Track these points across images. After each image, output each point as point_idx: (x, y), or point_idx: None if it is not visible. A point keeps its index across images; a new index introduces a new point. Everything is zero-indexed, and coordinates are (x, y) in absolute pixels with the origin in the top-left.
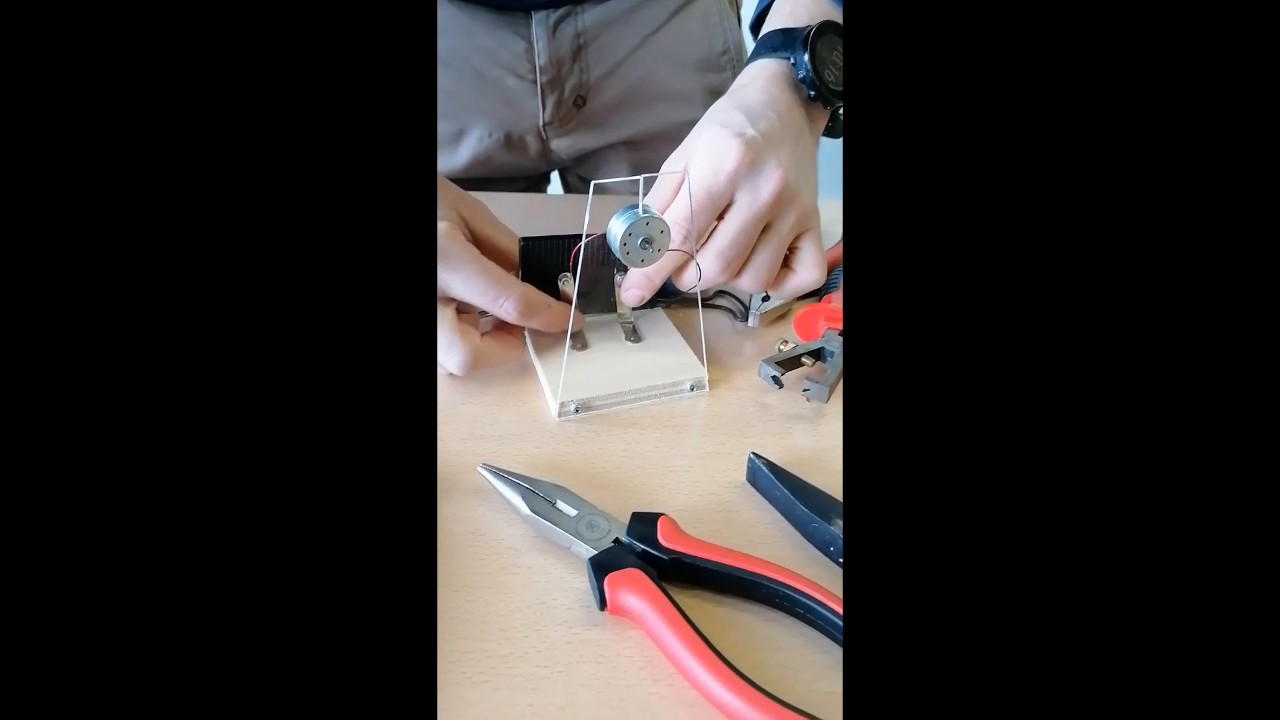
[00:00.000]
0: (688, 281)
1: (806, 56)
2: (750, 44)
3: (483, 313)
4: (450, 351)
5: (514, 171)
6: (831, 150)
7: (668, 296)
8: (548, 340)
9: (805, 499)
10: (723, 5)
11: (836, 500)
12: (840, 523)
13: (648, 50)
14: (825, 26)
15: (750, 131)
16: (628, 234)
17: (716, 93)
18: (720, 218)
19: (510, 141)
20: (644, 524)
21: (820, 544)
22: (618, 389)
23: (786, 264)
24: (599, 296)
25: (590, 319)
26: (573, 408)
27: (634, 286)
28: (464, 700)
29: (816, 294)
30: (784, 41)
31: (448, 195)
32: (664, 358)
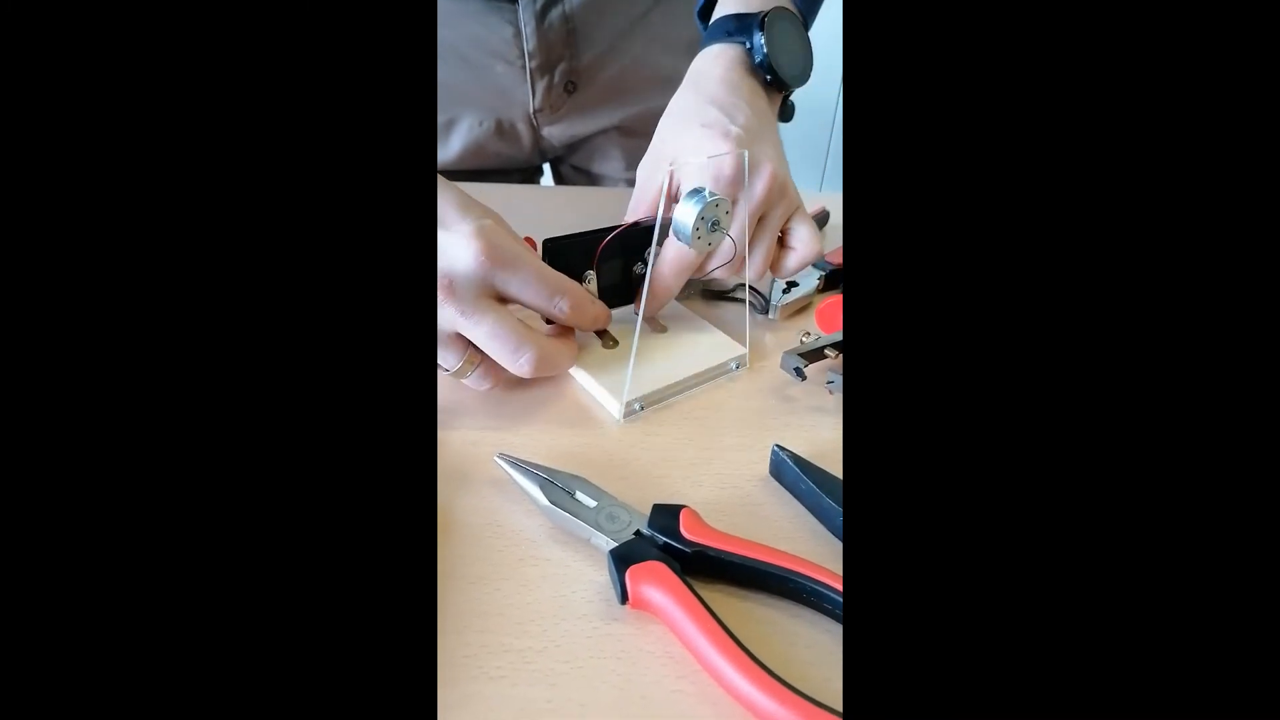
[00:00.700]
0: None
1: (762, 41)
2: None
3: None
4: (520, 352)
5: (507, 162)
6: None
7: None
8: None
9: (830, 492)
10: None
11: None
12: None
13: (637, 34)
14: (778, 12)
15: (735, 129)
16: (700, 218)
17: None
18: None
19: (501, 130)
20: (666, 516)
21: None
22: (672, 379)
23: (783, 244)
24: (621, 291)
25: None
26: (638, 405)
27: (678, 266)
28: (481, 695)
29: (839, 286)
30: (739, 27)
31: (476, 204)
32: (700, 342)
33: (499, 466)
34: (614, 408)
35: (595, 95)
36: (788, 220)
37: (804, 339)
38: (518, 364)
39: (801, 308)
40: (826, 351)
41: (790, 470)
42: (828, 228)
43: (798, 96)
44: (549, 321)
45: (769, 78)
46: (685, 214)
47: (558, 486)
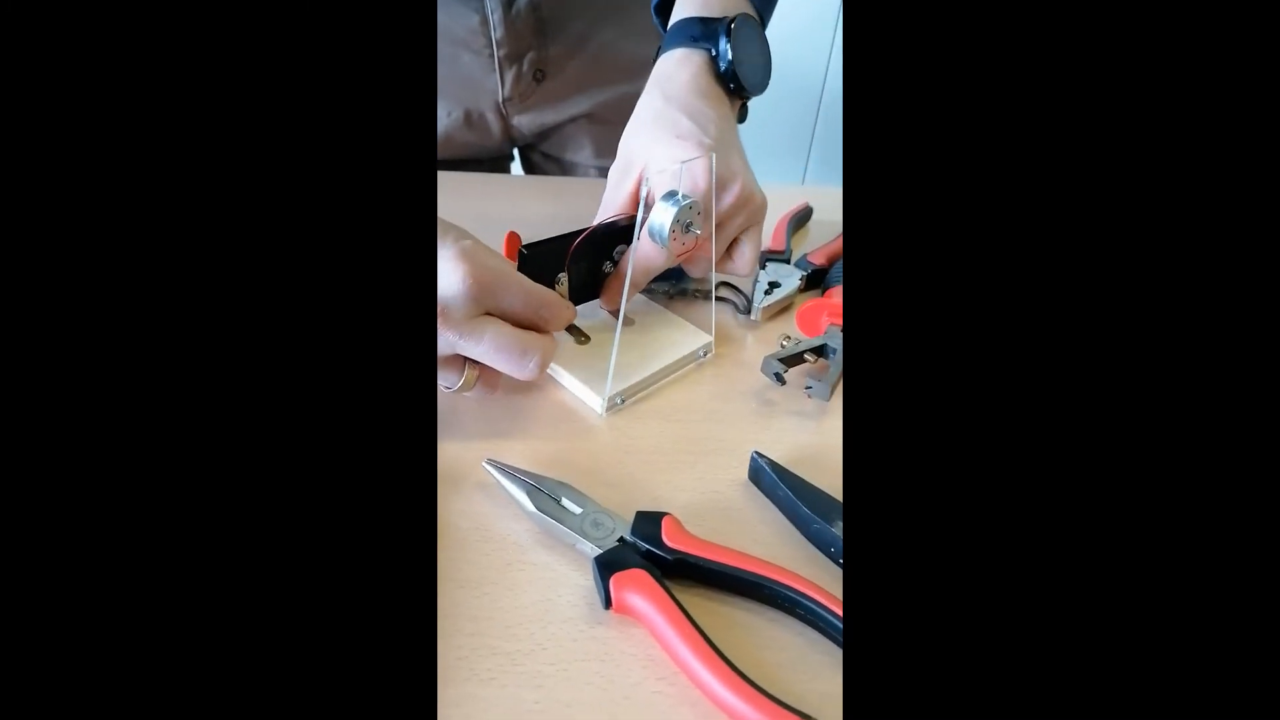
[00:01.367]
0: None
1: (728, 49)
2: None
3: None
4: (526, 357)
5: (477, 151)
6: (833, 142)
7: (669, 285)
8: None
9: (807, 500)
10: None
11: (838, 501)
12: (841, 524)
13: (607, 21)
14: (742, 19)
15: (708, 141)
16: (675, 220)
17: None
18: None
19: (470, 120)
20: (649, 523)
21: (821, 545)
22: (647, 372)
23: (727, 252)
24: (589, 289)
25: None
26: (619, 399)
27: (649, 265)
28: (473, 696)
29: (820, 288)
30: (704, 32)
31: (451, 226)
32: (668, 334)
33: (487, 472)
34: (596, 403)
35: (564, 84)
36: (742, 231)
37: (784, 343)
38: (525, 370)
39: (783, 308)
40: (806, 356)
41: (768, 477)
42: (811, 223)
43: (782, 84)
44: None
45: (731, 85)
46: (662, 216)
47: (544, 493)
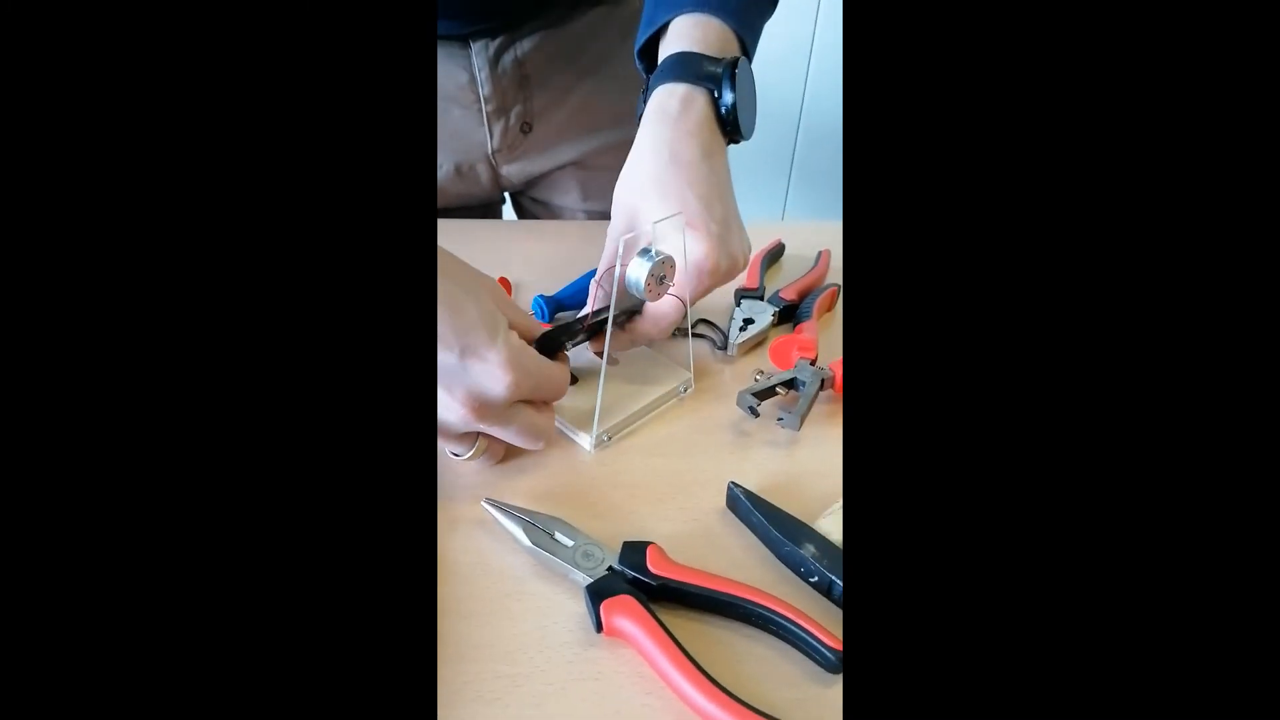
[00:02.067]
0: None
1: (730, 95)
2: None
3: None
4: (542, 438)
5: (468, 200)
6: (832, 172)
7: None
8: None
9: (779, 525)
10: None
11: (805, 525)
12: (810, 546)
13: (587, 75)
14: (743, 63)
15: (715, 228)
16: (650, 274)
17: None
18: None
19: (461, 171)
20: (634, 553)
21: (792, 565)
22: (632, 409)
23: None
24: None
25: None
26: (606, 437)
27: (663, 319)
28: (479, 717)
29: (792, 323)
30: (707, 72)
31: (499, 315)
32: (650, 371)
33: (486, 511)
34: (585, 441)
35: (550, 134)
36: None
37: (757, 377)
38: (536, 447)
39: (757, 343)
40: (778, 389)
41: (743, 505)
42: (784, 258)
43: (759, 113)
44: None
45: (727, 127)
46: (638, 271)
47: (538, 528)
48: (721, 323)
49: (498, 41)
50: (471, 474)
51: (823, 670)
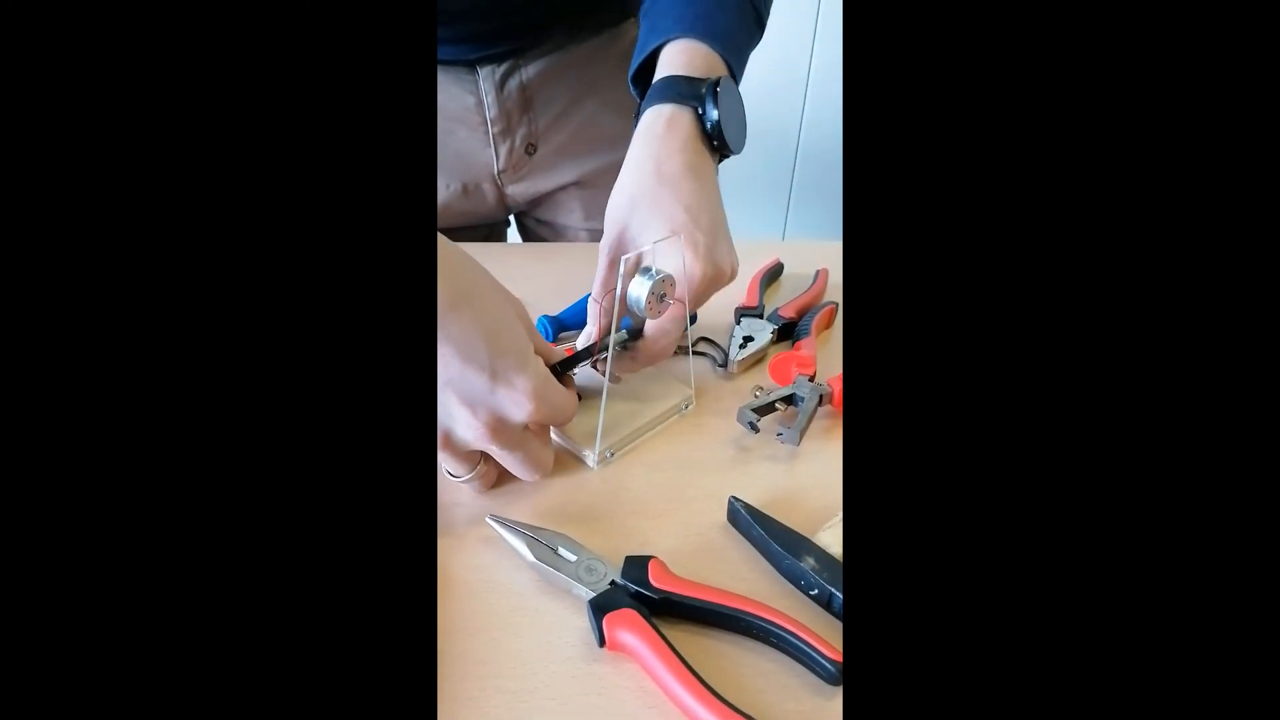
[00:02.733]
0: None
1: (716, 114)
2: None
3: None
4: (539, 471)
5: (473, 219)
6: (830, 192)
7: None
8: None
9: (779, 538)
10: None
11: (805, 538)
12: (810, 559)
13: (588, 97)
14: (727, 81)
15: (702, 239)
16: (650, 293)
17: None
18: None
19: (467, 191)
20: (636, 567)
21: (792, 578)
22: (634, 425)
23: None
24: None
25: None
26: (609, 453)
27: (664, 337)
28: None
29: (790, 340)
30: (690, 91)
31: (527, 344)
32: (652, 389)
33: (490, 527)
34: (589, 457)
35: (553, 155)
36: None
37: (757, 393)
38: (535, 478)
39: (757, 360)
40: (777, 405)
41: (744, 519)
42: (782, 277)
43: (759, 134)
44: None
45: (715, 143)
46: (639, 290)
47: (542, 544)
48: (722, 340)
49: (504, 67)
50: (472, 491)
51: (823, 682)
